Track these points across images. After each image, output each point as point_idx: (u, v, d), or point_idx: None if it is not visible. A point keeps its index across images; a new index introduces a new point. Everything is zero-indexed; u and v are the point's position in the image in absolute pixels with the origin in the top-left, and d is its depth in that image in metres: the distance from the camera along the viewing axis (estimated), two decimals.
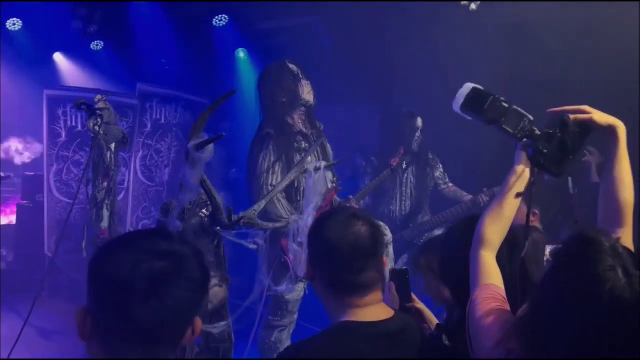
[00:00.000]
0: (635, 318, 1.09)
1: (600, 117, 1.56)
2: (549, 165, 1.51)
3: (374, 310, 1.57)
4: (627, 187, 1.54)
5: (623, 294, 1.09)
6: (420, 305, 1.86)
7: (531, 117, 1.55)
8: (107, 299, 1.09)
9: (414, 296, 1.87)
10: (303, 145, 3.72)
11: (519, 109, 1.55)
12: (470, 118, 1.59)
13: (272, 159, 3.60)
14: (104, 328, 1.09)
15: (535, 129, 1.54)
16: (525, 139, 1.54)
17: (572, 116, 1.54)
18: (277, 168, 3.57)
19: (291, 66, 3.80)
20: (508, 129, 1.55)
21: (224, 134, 2.24)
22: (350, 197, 4.02)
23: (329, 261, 1.57)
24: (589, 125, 1.55)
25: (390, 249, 4.11)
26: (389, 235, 4.07)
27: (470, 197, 4.75)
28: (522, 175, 1.54)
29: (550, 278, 1.20)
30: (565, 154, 1.52)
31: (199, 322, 1.18)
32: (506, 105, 1.55)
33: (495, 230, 1.49)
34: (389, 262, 4.08)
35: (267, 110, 3.78)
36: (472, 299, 1.43)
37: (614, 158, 1.55)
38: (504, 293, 1.42)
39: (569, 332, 1.13)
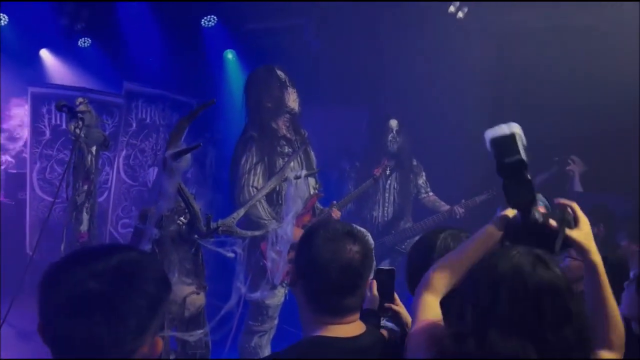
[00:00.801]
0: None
1: (580, 235, 1.48)
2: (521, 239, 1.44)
3: (348, 327, 1.58)
4: (617, 327, 1.41)
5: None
6: (399, 307, 1.87)
7: (541, 202, 1.49)
8: (52, 317, 1.10)
9: (396, 296, 1.87)
10: (286, 150, 3.74)
11: (533, 186, 1.48)
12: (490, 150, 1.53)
13: (254, 160, 3.63)
14: (55, 344, 1.11)
15: (535, 212, 1.46)
16: (517, 212, 1.48)
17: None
18: (259, 170, 3.59)
19: (279, 72, 3.83)
20: (510, 193, 1.49)
21: (201, 143, 2.24)
22: (334, 202, 4.03)
23: (315, 280, 1.56)
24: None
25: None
26: (371, 242, 4.07)
27: (447, 207, 4.80)
28: (490, 237, 1.50)
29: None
30: (548, 242, 1.44)
31: (159, 343, 1.18)
32: (527, 176, 1.48)
33: (443, 279, 1.48)
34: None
35: (252, 113, 3.81)
36: (410, 334, 1.47)
37: (599, 297, 1.41)
38: (441, 324, 1.42)
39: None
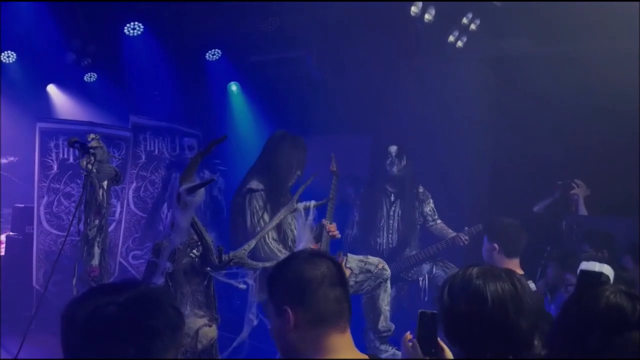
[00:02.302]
0: None
1: None
2: None
3: (349, 352, 1.61)
4: None
5: None
6: (448, 354, 1.77)
7: None
8: (78, 348, 1.14)
9: (440, 342, 1.78)
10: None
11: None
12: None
13: (260, 205, 3.69)
14: None
15: None
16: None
17: None
18: (265, 215, 3.66)
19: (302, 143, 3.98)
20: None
21: (215, 178, 2.29)
22: (324, 220, 3.99)
23: (307, 294, 1.59)
24: None
25: (389, 283, 4.13)
26: (388, 271, 4.10)
27: (452, 234, 4.82)
28: None
29: None
30: None
31: None
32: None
33: None
34: (385, 297, 4.11)
35: (269, 168, 3.84)
36: None
37: None
38: None
39: None
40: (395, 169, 4.96)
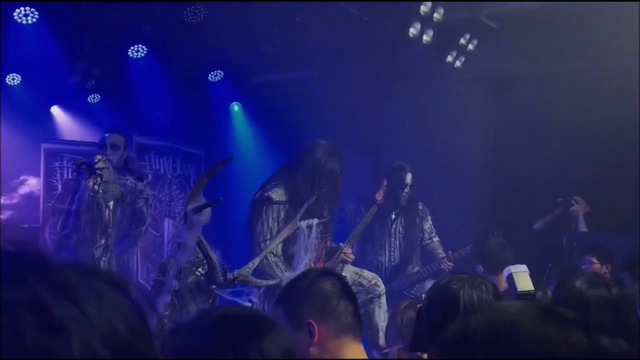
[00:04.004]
0: None
1: None
2: None
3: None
4: None
5: None
6: None
7: None
8: None
9: None
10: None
11: None
12: None
13: (274, 217, 3.72)
14: None
15: None
16: None
17: None
18: (275, 227, 3.69)
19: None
20: None
21: (220, 198, 2.34)
22: (341, 244, 4.04)
23: (331, 307, 1.73)
24: None
25: (383, 299, 4.16)
26: (381, 287, 4.13)
27: (442, 255, 4.85)
28: None
29: None
30: None
31: None
32: None
33: None
34: (381, 314, 4.13)
35: (296, 178, 3.83)
36: None
37: None
38: None
39: None
40: (404, 201, 4.95)
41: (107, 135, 4.68)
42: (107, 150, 4.11)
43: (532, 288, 2.01)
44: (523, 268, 2.09)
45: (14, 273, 0.47)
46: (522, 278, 2.02)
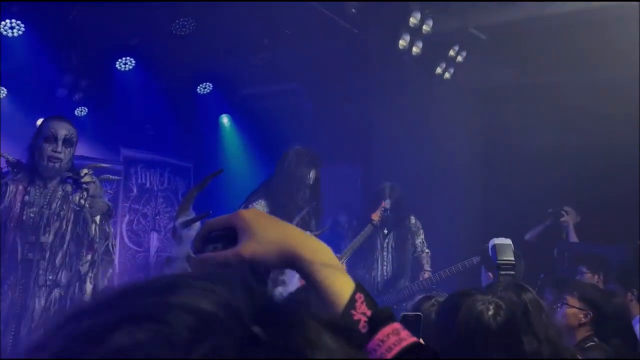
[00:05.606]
0: None
1: None
2: None
3: None
4: None
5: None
6: None
7: None
8: None
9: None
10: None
11: None
12: None
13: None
14: None
15: None
16: None
17: None
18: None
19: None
20: None
21: (210, 212, 2.29)
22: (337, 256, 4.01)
23: None
24: None
25: None
26: None
27: (426, 274, 4.81)
28: None
29: None
30: None
31: None
32: None
33: None
34: None
35: (275, 187, 3.78)
36: None
37: None
38: None
39: None
40: (387, 218, 4.88)
41: (50, 122, 3.39)
42: (59, 147, 3.21)
43: (513, 259, 2.09)
44: (507, 241, 2.17)
45: None
46: (504, 249, 2.10)
